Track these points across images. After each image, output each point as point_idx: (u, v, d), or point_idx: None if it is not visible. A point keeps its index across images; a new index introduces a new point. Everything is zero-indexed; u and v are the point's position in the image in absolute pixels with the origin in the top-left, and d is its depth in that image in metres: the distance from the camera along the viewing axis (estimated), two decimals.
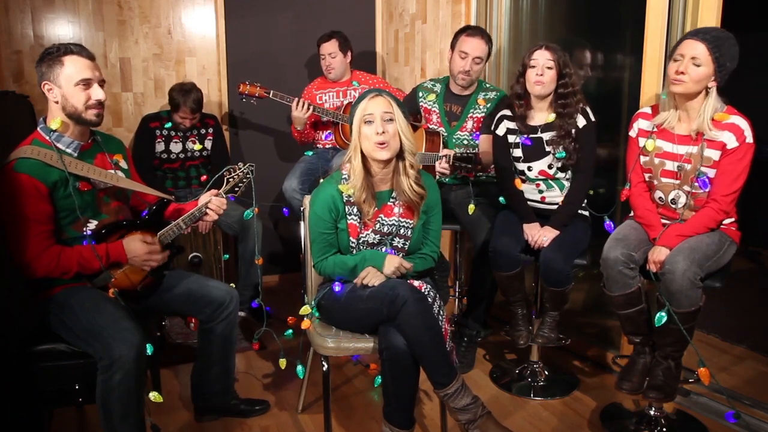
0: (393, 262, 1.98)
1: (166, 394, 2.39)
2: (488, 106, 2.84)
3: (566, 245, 2.35)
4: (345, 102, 3.34)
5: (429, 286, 1.96)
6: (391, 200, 2.05)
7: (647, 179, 2.19)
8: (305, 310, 2.09)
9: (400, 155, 1.99)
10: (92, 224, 1.96)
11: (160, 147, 3.33)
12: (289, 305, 3.36)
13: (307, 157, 3.34)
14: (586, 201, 2.50)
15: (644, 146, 2.15)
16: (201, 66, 3.71)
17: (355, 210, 2.02)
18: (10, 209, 1.80)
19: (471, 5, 3.29)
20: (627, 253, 2.06)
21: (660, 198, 2.17)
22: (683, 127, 2.08)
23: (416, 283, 1.93)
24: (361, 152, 1.98)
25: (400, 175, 2.01)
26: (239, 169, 2.20)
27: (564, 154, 2.38)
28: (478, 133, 2.84)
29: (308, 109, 3.12)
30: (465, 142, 2.87)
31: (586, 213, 2.51)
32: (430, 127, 2.94)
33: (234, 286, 2.35)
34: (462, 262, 3.33)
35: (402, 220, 2.05)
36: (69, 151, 1.93)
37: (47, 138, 1.89)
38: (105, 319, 1.80)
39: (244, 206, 2.72)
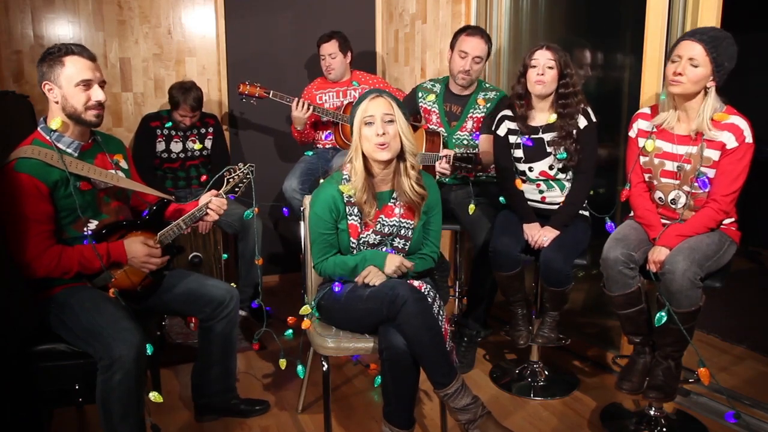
0: (394, 261, 1.98)
1: (166, 394, 2.39)
2: (488, 105, 2.84)
3: (566, 245, 2.35)
4: (345, 102, 3.34)
5: (429, 286, 1.96)
6: (392, 201, 2.05)
7: (647, 179, 2.19)
8: (305, 310, 2.09)
9: (400, 156, 1.99)
10: (92, 224, 1.96)
11: (160, 146, 3.33)
12: (289, 305, 3.36)
13: (307, 157, 3.34)
14: (586, 201, 2.50)
15: (644, 146, 2.15)
16: (201, 66, 3.71)
17: (355, 210, 2.02)
18: (11, 209, 1.80)
19: (471, 5, 3.29)
20: (627, 253, 2.06)
21: (660, 198, 2.17)
22: (683, 127, 2.08)
23: (416, 283, 1.93)
24: (362, 153, 1.98)
25: (401, 176, 2.01)
26: (239, 169, 2.20)
27: (565, 155, 2.37)
28: (478, 133, 2.84)
29: (308, 109, 3.12)
30: (465, 142, 2.87)
31: (587, 213, 2.51)
32: (430, 127, 2.94)
33: (235, 285, 2.35)
34: (462, 262, 3.33)
35: (403, 220, 2.05)
36: (69, 151, 1.93)
37: (48, 138, 1.89)
38: (105, 319, 1.80)
39: (245, 205, 2.72)
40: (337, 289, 2.01)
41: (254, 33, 3.81)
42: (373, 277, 1.95)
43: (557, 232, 2.38)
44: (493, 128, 2.57)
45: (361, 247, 2.04)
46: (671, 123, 2.10)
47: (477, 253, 2.64)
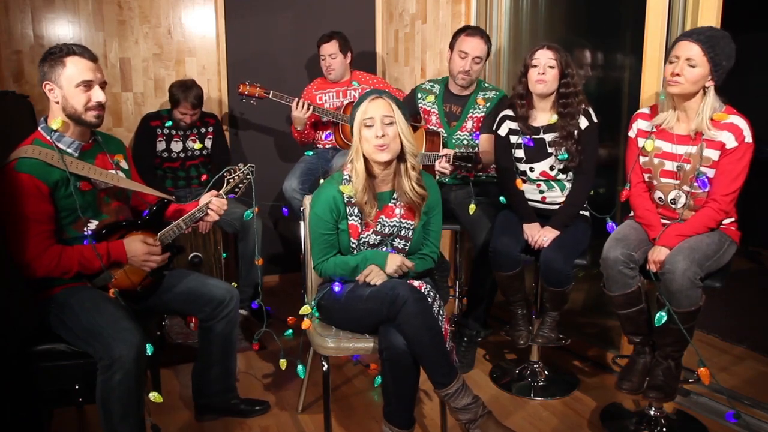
0: (395, 261, 1.98)
1: (166, 394, 2.39)
2: (488, 105, 2.84)
3: (566, 245, 2.35)
4: (345, 102, 3.34)
5: (429, 286, 1.96)
6: (392, 201, 2.05)
7: (647, 179, 2.20)
8: (305, 310, 2.09)
9: (401, 157, 1.99)
10: (93, 224, 1.96)
11: (161, 146, 3.33)
12: (289, 305, 3.36)
13: (307, 157, 3.34)
14: (586, 201, 2.50)
15: (643, 146, 2.16)
16: (201, 66, 3.71)
17: (356, 211, 2.02)
18: (11, 209, 1.80)
19: (471, 5, 3.29)
20: (627, 253, 2.06)
21: (660, 198, 2.17)
22: (682, 127, 2.08)
23: (416, 283, 1.93)
24: (363, 154, 1.98)
25: (402, 177, 2.01)
26: (239, 169, 2.20)
27: (566, 156, 2.37)
28: (478, 133, 2.84)
29: (308, 109, 3.12)
30: (465, 142, 2.87)
31: (587, 213, 2.51)
32: (430, 127, 2.94)
33: (236, 285, 2.35)
34: (462, 262, 3.33)
35: (403, 221, 2.05)
36: (70, 151, 1.93)
37: (48, 138, 1.89)
38: (105, 319, 1.80)
39: (245, 205, 2.72)
40: (337, 289, 2.01)
41: (254, 33, 3.81)
42: (374, 276, 1.95)
43: (557, 233, 2.38)
44: (494, 128, 2.57)
45: (362, 248, 2.04)
46: (671, 123, 2.10)
47: (477, 253, 2.64)
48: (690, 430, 2.27)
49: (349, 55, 3.39)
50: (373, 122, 1.93)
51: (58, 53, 1.86)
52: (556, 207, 2.47)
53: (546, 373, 2.63)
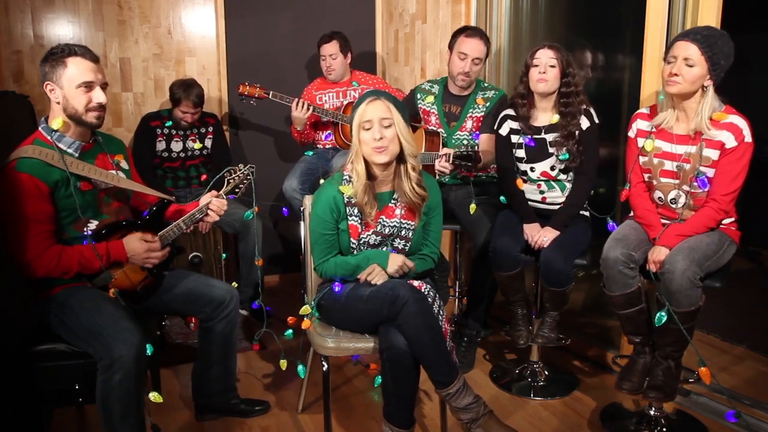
0: (397, 261, 1.99)
1: (166, 394, 2.39)
2: (487, 105, 2.84)
3: (566, 245, 2.35)
4: (345, 102, 3.34)
5: (429, 286, 1.96)
6: (393, 201, 2.05)
7: (647, 179, 2.20)
8: (305, 310, 2.09)
9: (400, 158, 1.99)
10: (93, 224, 1.96)
11: (161, 146, 3.33)
12: (289, 305, 3.36)
13: (307, 157, 3.34)
14: (586, 201, 2.50)
15: (643, 146, 2.16)
16: (201, 66, 3.71)
17: (355, 211, 2.02)
18: (11, 209, 1.80)
19: (471, 5, 3.29)
20: (627, 252, 2.06)
21: (659, 198, 2.17)
22: (682, 126, 2.08)
23: (416, 283, 1.93)
24: (363, 155, 1.98)
25: (402, 178, 2.01)
26: (240, 170, 2.20)
27: (567, 156, 2.37)
28: (477, 132, 2.84)
29: (308, 109, 3.12)
30: (465, 141, 2.87)
31: (587, 213, 2.51)
32: (429, 128, 2.94)
33: (236, 285, 2.35)
34: (462, 262, 3.33)
35: (404, 221, 2.05)
36: (70, 151, 1.93)
37: (49, 138, 1.89)
38: (105, 319, 1.80)
39: (245, 206, 2.72)
40: (337, 289, 2.01)
41: (254, 33, 3.81)
42: (376, 275, 1.95)
43: (557, 233, 2.38)
44: (495, 127, 2.57)
45: (362, 248, 2.04)
46: (670, 123, 2.10)
47: (477, 253, 2.64)
48: (690, 430, 2.27)
49: (349, 55, 3.39)
50: (371, 125, 1.93)
51: (59, 53, 1.85)
52: (557, 207, 2.48)
53: (546, 373, 2.63)
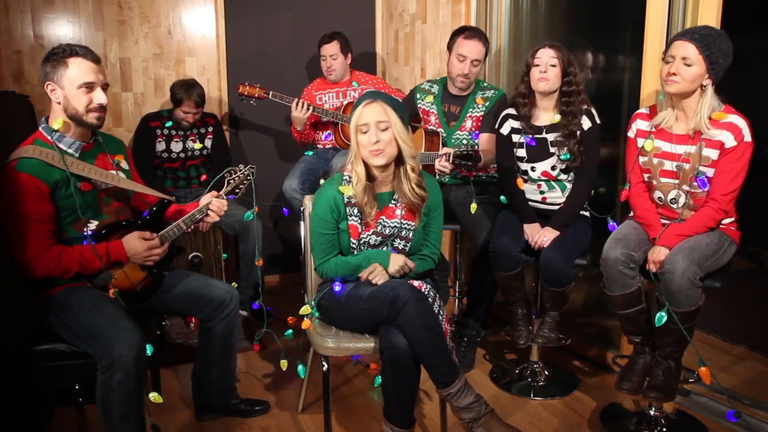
0: (398, 261, 1.99)
1: (166, 394, 2.39)
2: (487, 105, 2.84)
3: (566, 245, 2.35)
4: (344, 102, 3.34)
5: (429, 286, 1.96)
6: (393, 202, 2.05)
7: (646, 179, 2.20)
8: (305, 310, 2.09)
9: (399, 160, 1.99)
10: (93, 224, 1.96)
11: (160, 146, 3.33)
12: (289, 305, 3.36)
13: (307, 157, 3.35)
14: (587, 202, 2.50)
15: (642, 146, 2.16)
16: (201, 66, 3.71)
17: (355, 211, 2.02)
18: (11, 209, 1.80)
19: (471, 5, 3.29)
20: (627, 253, 2.06)
21: (659, 198, 2.17)
22: (681, 126, 2.09)
23: (416, 283, 1.93)
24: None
25: (401, 179, 2.01)
26: (240, 170, 2.20)
27: (569, 156, 2.37)
28: (477, 132, 2.84)
29: (308, 109, 3.13)
30: (464, 141, 2.87)
31: (587, 213, 2.52)
32: (429, 128, 2.94)
33: (236, 285, 2.35)
34: (462, 262, 3.33)
35: (404, 222, 2.05)
36: (70, 151, 1.93)
37: (49, 138, 1.89)
38: (105, 319, 1.80)
39: (245, 206, 2.72)
40: (337, 288, 2.01)
41: (254, 33, 3.81)
42: (377, 274, 1.96)
43: (557, 233, 2.38)
44: (496, 126, 2.57)
45: (362, 248, 2.04)
46: (669, 122, 2.10)
47: (477, 253, 2.64)
48: (690, 430, 2.27)
49: (349, 56, 3.39)
50: (367, 128, 1.93)
51: (61, 54, 1.85)
52: (557, 207, 2.48)
53: (546, 373, 2.63)
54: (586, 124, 2.37)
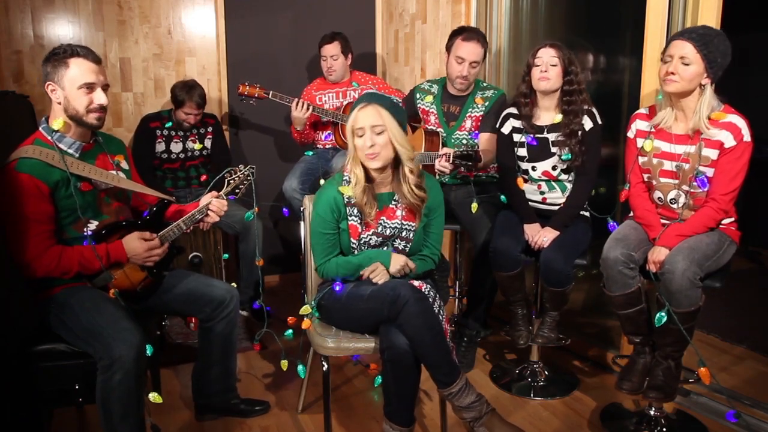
0: (399, 261, 2.00)
1: (166, 394, 2.39)
2: (486, 104, 2.84)
3: (566, 245, 2.35)
4: (344, 103, 3.34)
5: (429, 286, 1.96)
6: (393, 203, 2.05)
7: (646, 179, 2.20)
8: (305, 309, 2.09)
9: (397, 162, 1.99)
10: (93, 224, 1.96)
11: (160, 147, 3.33)
12: (289, 305, 3.36)
13: (307, 157, 3.35)
14: (587, 202, 2.50)
15: (642, 146, 2.16)
16: (201, 66, 3.71)
17: (355, 211, 2.02)
18: (11, 209, 1.80)
19: (471, 5, 3.29)
20: (627, 253, 2.06)
21: (659, 198, 2.17)
22: (680, 126, 2.09)
23: (416, 283, 1.93)
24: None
25: (400, 181, 2.01)
26: (240, 170, 2.20)
27: (570, 156, 2.37)
28: (477, 132, 2.84)
29: (308, 109, 3.13)
30: (464, 141, 2.87)
31: (587, 213, 2.51)
32: (429, 128, 2.94)
33: (236, 285, 2.35)
34: (462, 262, 3.33)
35: (405, 222, 2.05)
36: (71, 151, 1.93)
37: (49, 138, 1.89)
38: (105, 319, 1.80)
39: (245, 206, 2.72)
40: (337, 288, 2.01)
41: (254, 33, 3.81)
42: (378, 273, 1.96)
43: (557, 233, 2.38)
44: (497, 126, 2.57)
45: (362, 248, 2.04)
46: (669, 122, 2.10)
47: (477, 253, 2.64)
48: (690, 430, 2.27)
49: (350, 56, 3.39)
50: (363, 131, 1.93)
51: (61, 54, 1.85)
52: (557, 208, 2.47)
53: (546, 373, 2.63)
54: (587, 124, 2.37)
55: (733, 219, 2.13)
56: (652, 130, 2.14)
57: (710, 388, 2.38)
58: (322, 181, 2.15)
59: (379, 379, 1.95)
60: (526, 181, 2.51)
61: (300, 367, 2.20)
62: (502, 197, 2.58)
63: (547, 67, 2.33)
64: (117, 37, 3.52)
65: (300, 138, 3.34)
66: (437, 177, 2.54)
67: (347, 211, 2.02)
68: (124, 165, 2.12)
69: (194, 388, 2.31)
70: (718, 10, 2.19)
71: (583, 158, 2.38)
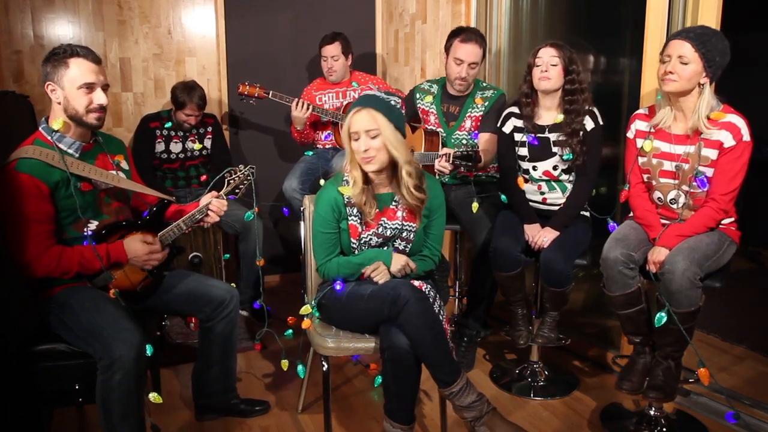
0: (400, 260, 2.00)
1: (166, 394, 2.40)
2: (486, 104, 2.84)
3: (566, 245, 2.35)
4: (344, 102, 3.34)
5: (429, 286, 1.96)
6: (394, 203, 2.05)
7: (646, 180, 2.20)
8: (305, 309, 2.09)
9: (394, 164, 1.99)
10: (93, 224, 1.96)
11: (160, 147, 3.33)
12: (289, 305, 3.36)
13: (307, 157, 3.35)
14: (587, 202, 2.50)
15: (642, 147, 2.16)
16: (201, 66, 3.71)
17: (355, 211, 2.02)
18: (11, 209, 1.80)
19: (471, 5, 3.29)
20: (627, 253, 2.06)
21: (659, 198, 2.17)
22: (680, 126, 2.09)
23: (416, 283, 1.93)
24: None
25: (398, 183, 2.01)
26: (240, 170, 2.20)
27: (571, 156, 2.37)
28: (476, 132, 2.84)
29: (308, 109, 3.13)
30: (464, 141, 2.87)
31: (587, 213, 2.51)
32: (428, 128, 2.94)
33: (235, 285, 2.35)
34: (462, 262, 3.33)
35: (405, 223, 2.05)
36: (71, 151, 1.93)
37: (49, 138, 1.89)
38: (105, 319, 1.80)
39: (245, 206, 2.72)
40: (338, 287, 2.01)
41: (254, 33, 3.81)
42: (380, 272, 1.96)
43: (557, 233, 2.38)
44: (498, 125, 2.57)
45: (362, 248, 2.05)
46: (668, 122, 2.10)
47: (477, 253, 2.64)
48: (690, 430, 2.27)
49: (350, 57, 3.39)
50: (358, 136, 1.93)
51: (61, 54, 1.85)
52: (557, 208, 2.47)
53: (546, 373, 2.63)
54: (589, 124, 2.37)
55: (733, 219, 2.13)
56: (652, 130, 2.14)
57: (710, 388, 2.38)
58: (322, 181, 2.15)
59: (379, 379, 1.95)
60: (526, 180, 2.51)
61: (300, 367, 2.20)
62: (503, 197, 2.58)
63: (548, 67, 2.33)
64: (117, 37, 3.52)
65: (300, 138, 3.34)
66: (437, 177, 2.54)
67: (347, 211, 2.02)
68: (124, 165, 2.12)
69: (194, 388, 2.31)
70: (718, 10, 2.19)
71: (583, 158, 2.38)
